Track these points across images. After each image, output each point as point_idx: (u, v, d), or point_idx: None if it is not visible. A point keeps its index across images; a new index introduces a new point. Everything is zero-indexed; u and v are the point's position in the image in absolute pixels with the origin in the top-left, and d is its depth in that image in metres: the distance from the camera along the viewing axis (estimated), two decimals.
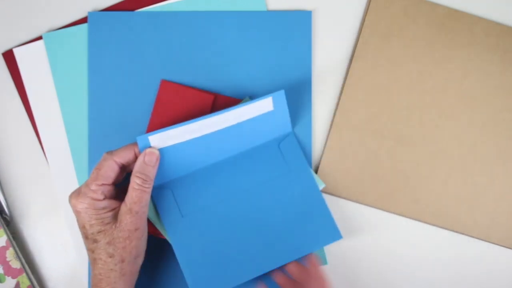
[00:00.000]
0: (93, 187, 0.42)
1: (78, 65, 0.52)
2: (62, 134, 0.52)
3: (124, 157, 0.44)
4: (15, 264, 0.50)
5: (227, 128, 0.47)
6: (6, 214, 0.52)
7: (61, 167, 0.52)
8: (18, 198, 0.52)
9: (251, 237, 0.48)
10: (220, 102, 0.51)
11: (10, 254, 0.50)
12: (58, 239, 0.52)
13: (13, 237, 0.52)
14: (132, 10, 0.53)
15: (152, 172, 0.44)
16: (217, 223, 0.48)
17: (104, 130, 0.52)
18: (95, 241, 0.42)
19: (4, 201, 0.52)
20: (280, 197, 0.49)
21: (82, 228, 0.43)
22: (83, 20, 0.53)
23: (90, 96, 0.52)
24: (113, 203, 0.43)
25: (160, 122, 0.50)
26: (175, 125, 0.45)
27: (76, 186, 0.52)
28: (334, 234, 0.48)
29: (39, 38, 0.53)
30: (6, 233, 0.51)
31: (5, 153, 0.53)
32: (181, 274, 0.50)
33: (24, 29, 0.53)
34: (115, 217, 0.43)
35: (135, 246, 0.43)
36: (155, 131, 0.44)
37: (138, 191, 0.43)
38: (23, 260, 0.51)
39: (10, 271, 0.50)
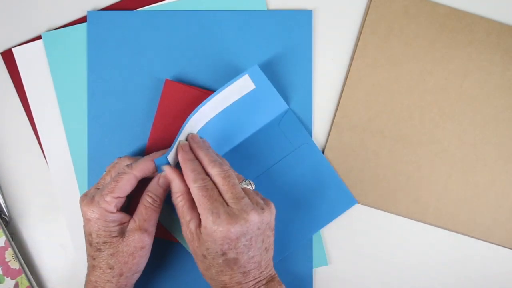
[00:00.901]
0: (108, 198, 0.42)
1: (78, 65, 0.52)
2: (61, 134, 0.52)
3: (144, 170, 0.44)
4: (14, 265, 0.50)
5: (220, 117, 0.47)
6: (5, 215, 0.52)
7: (60, 167, 0.52)
8: (17, 198, 0.52)
9: None
10: None
11: (9, 254, 0.50)
12: (57, 240, 0.52)
13: (12, 238, 0.52)
14: (132, 9, 0.53)
15: (163, 194, 0.45)
16: None
17: (104, 130, 0.51)
18: (99, 250, 0.42)
19: (3, 201, 0.52)
20: (291, 176, 0.50)
21: (88, 235, 0.43)
22: (82, 20, 0.53)
23: (90, 95, 0.52)
24: (122, 217, 0.43)
25: (164, 122, 0.50)
26: (176, 137, 0.45)
27: (75, 186, 0.51)
28: (349, 201, 0.50)
29: (38, 37, 0.52)
30: (5, 234, 0.50)
31: (4, 153, 0.53)
32: (181, 276, 0.50)
33: (23, 29, 0.53)
34: (122, 232, 0.43)
35: (137, 263, 0.43)
36: (169, 151, 0.44)
37: (149, 209, 0.44)
38: (22, 261, 0.51)
39: (9, 272, 0.50)
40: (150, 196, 0.44)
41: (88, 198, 0.43)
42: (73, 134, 0.52)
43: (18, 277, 0.50)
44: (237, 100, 0.47)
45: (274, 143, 0.50)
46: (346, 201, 0.50)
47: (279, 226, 0.48)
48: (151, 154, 0.45)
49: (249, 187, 0.44)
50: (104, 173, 0.46)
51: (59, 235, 0.52)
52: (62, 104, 0.52)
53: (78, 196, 0.51)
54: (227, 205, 0.41)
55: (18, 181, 0.52)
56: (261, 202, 0.42)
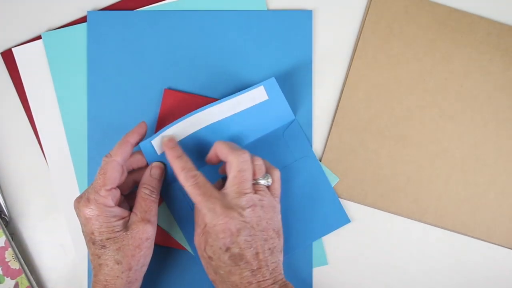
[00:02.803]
0: (103, 193, 0.42)
1: (78, 65, 0.52)
2: (61, 134, 0.52)
3: (122, 154, 0.44)
4: (14, 265, 0.50)
5: (227, 120, 0.47)
6: (5, 215, 0.52)
7: (60, 167, 0.52)
8: (17, 198, 0.52)
9: None
10: None
11: (9, 254, 0.50)
12: (57, 240, 0.52)
13: (12, 238, 0.52)
14: (132, 9, 0.53)
15: (158, 184, 0.45)
16: None
17: (104, 130, 0.51)
18: (103, 247, 0.42)
19: (3, 201, 0.52)
20: (288, 187, 0.49)
21: (90, 234, 0.42)
22: (82, 20, 0.53)
23: (90, 96, 0.52)
24: (123, 212, 0.43)
25: None
26: (173, 123, 0.45)
27: (75, 186, 0.51)
28: (342, 219, 0.50)
29: (38, 37, 0.52)
30: (5, 234, 0.50)
31: (4, 153, 0.53)
32: (183, 282, 0.50)
33: (23, 29, 0.53)
34: (125, 226, 0.43)
35: (144, 255, 0.43)
36: (155, 134, 0.45)
37: (147, 201, 0.44)
38: (22, 261, 0.51)
39: (9, 272, 0.50)
40: (146, 188, 0.44)
41: (84, 199, 0.43)
42: (73, 134, 0.52)
43: (18, 277, 0.50)
44: (248, 108, 0.48)
45: (276, 152, 0.50)
46: (339, 218, 0.50)
47: None
48: (125, 136, 0.45)
49: (265, 182, 0.44)
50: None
51: (59, 235, 0.52)
52: (62, 104, 0.52)
53: None
54: (226, 196, 0.41)
55: (18, 181, 0.52)
56: (266, 200, 0.43)
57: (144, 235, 0.43)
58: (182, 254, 0.50)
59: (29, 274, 0.51)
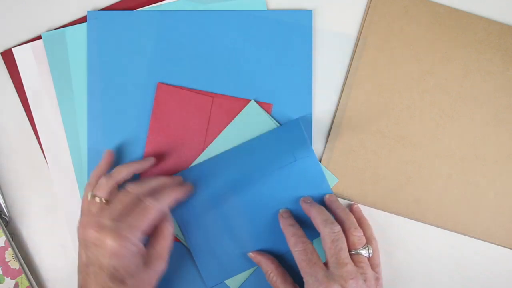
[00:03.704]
0: (139, 235, 0.42)
1: (78, 65, 0.52)
2: (61, 134, 0.52)
3: (168, 204, 0.45)
4: (14, 265, 0.50)
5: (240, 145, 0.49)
6: (5, 215, 0.52)
7: (60, 167, 0.52)
8: (17, 198, 0.52)
9: (260, 226, 0.49)
10: (218, 102, 0.51)
11: (9, 254, 0.50)
12: (57, 240, 0.52)
13: (12, 238, 0.52)
14: (132, 9, 0.53)
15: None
16: (227, 214, 0.49)
17: (104, 130, 0.51)
18: (123, 283, 0.40)
19: (3, 201, 0.52)
20: (288, 186, 0.50)
21: (112, 269, 0.40)
22: (82, 20, 0.53)
23: (90, 95, 0.52)
24: (142, 247, 0.43)
25: (160, 126, 0.51)
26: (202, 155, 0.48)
27: (75, 186, 0.51)
28: None
29: (38, 37, 0.52)
30: (5, 234, 0.50)
31: (4, 153, 0.53)
32: (183, 276, 0.50)
33: (23, 29, 0.53)
34: (144, 261, 0.42)
35: (155, 285, 0.43)
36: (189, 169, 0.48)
37: (169, 239, 0.45)
38: (22, 261, 0.51)
39: (9, 272, 0.50)
40: (172, 226, 0.45)
41: (112, 231, 0.40)
42: (73, 134, 0.52)
43: (18, 277, 0.50)
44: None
45: (276, 151, 0.50)
46: None
47: (268, 233, 0.49)
48: (176, 191, 0.46)
49: (366, 253, 0.44)
50: (98, 172, 0.47)
51: (59, 235, 0.52)
52: (62, 104, 0.52)
53: (78, 196, 0.51)
54: (328, 268, 0.42)
55: (18, 181, 0.52)
56: (369, 273, 0.43)
57: (160, 274, 0.43)
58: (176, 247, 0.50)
59: (29, 274, 0.51)
